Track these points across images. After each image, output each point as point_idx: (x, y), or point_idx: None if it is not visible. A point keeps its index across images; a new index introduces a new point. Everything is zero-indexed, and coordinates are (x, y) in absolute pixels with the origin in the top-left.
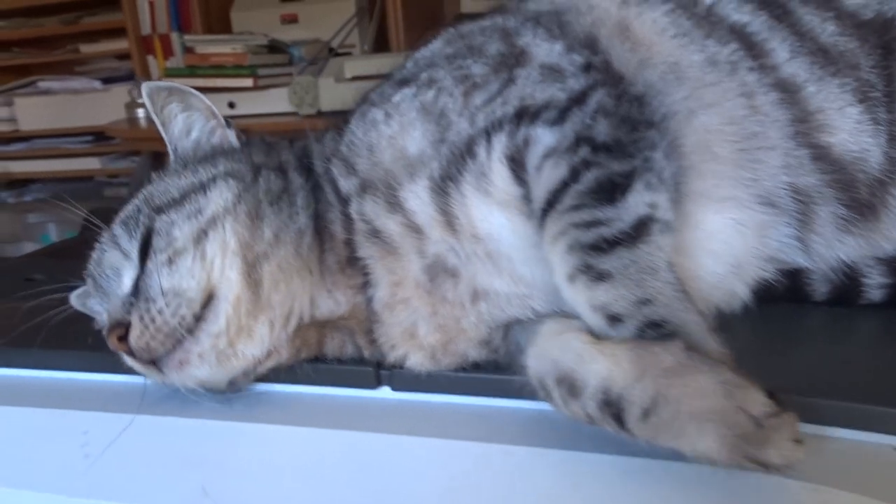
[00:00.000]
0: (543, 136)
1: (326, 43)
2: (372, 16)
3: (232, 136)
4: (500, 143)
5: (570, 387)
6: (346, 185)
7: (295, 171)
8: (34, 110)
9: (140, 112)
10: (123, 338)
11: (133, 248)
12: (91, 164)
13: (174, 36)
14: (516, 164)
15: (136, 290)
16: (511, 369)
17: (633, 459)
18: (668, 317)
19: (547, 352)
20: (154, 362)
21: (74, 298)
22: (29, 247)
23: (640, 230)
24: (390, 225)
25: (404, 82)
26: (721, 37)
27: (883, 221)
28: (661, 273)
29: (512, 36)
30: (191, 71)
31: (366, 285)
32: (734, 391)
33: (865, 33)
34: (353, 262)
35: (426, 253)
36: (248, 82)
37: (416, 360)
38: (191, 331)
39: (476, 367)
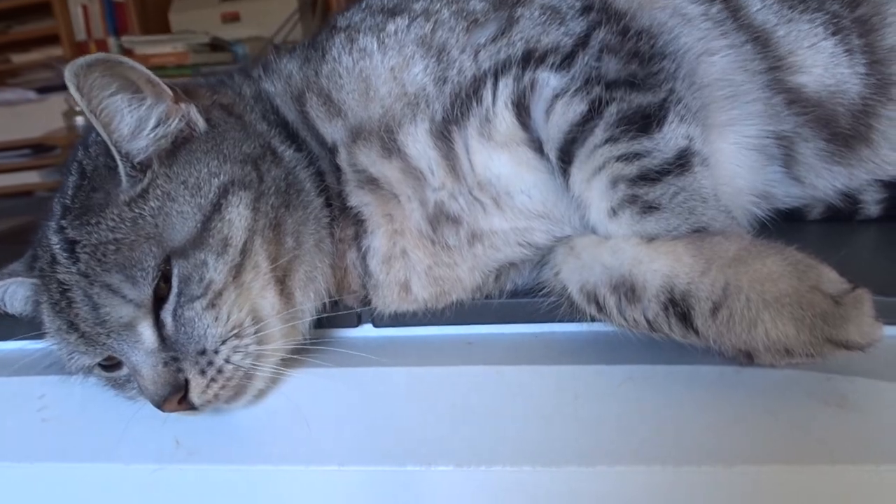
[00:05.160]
0: (550, 80)
1: (270, 39)
2: (315, 10)
3: (200, 120)
4: (507, 87)
5: (628, 292)
6: (332, 131)
7: (282, 141)
8: None
9: (79, 120)
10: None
11: (146, 297)
12: (30, 178)
13: (111, 40)
14: (521, 109)
15: (167, 342)
16: None
17: (626, 367)
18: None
19: (594, 260)
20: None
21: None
22: None
23: (683, 161)
24: (388, 171)
25: (393, 11)
26: None
27: (873, 148)
28: (711, 201)
29: None
30: None
31: (358, 236)
32: (806, 271)
33: None
34: (344, 211)
35: (427, 201)
36: None
37: (409, 309)
38: (256, 363)
39: None
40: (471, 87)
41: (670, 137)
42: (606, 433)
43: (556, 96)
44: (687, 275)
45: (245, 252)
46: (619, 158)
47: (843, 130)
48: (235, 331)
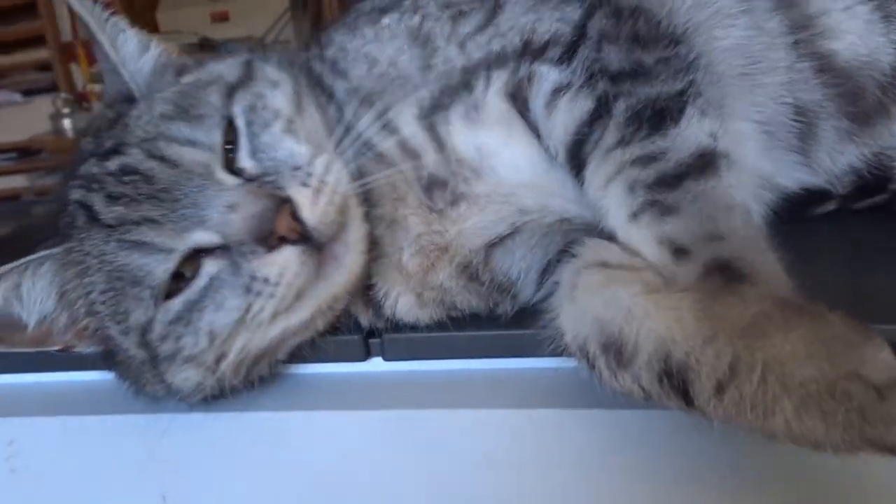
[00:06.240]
0: (550, 73)
1: (260, 39)
2: (306, 9)
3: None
4: (500, 79)
5: (617, 353)
6: (338, 85)
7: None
8: None
9: (66, 122)
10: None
11: (215, 140)
12: (17, 182)
13: None
14: (517, 101)
15: (248, 174)
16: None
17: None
18: (739, 256)
19: (588, 309)
20: (321, 248)
21: None
22: None
23: (704, 163)
24: (385, 144)
25: (385, 10)
26: None
27: (893, 123)
28: (737, 211)
29: None
30: None
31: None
32: (844, 353)
33: None
34: None
35: (423, 175)
36: None
37: (406, 302)
38: (361, 195)
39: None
40: (462, 77)
41: (689, 134)
42: (664, 488)
43: (557, 90)
44: (685, 341)
45: (298, 94)
46: (633, 163)
47: (866, 107)
48: (320, 154)
